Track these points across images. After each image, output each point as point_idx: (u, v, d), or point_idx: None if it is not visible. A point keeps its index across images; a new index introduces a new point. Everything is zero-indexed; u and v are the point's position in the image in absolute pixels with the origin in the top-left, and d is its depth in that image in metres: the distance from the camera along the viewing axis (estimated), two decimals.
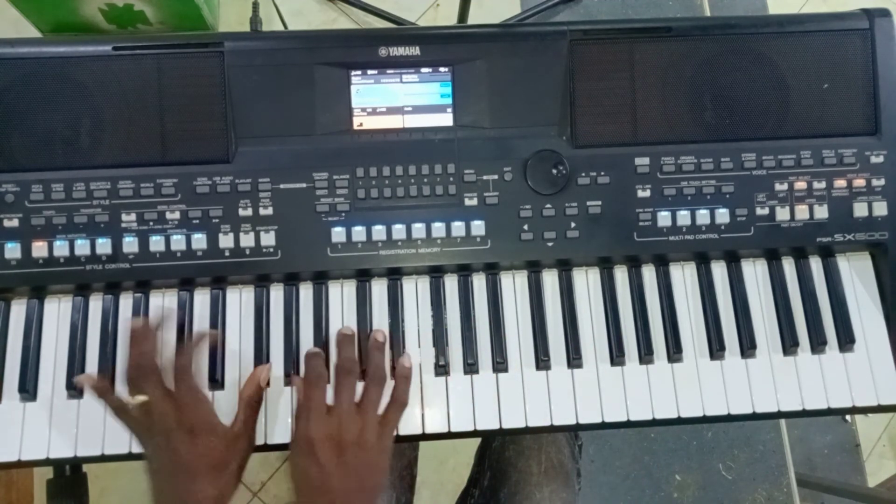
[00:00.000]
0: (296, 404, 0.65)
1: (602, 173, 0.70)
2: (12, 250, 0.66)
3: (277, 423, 0.67)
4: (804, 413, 0.70)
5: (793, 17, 0.74)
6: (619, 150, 0.71)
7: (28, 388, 0.66)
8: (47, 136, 0.67)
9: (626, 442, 1.42)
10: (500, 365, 0.69)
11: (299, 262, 0.69)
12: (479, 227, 0.69)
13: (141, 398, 0.61)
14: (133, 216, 0.67)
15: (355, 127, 0.70)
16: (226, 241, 0.68)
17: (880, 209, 0.71)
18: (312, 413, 0.62)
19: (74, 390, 0.66)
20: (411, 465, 0.87)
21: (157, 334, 0.64)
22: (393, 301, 0.70)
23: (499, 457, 0.84)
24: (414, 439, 0.68)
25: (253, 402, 0.65)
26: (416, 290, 0.71)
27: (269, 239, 0.68)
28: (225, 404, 0.66)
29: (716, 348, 0.70)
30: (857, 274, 0.73)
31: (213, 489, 0.60)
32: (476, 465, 0.92)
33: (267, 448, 0.67)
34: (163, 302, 0.69)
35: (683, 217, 0.70)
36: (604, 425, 0.68)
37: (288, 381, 0.68)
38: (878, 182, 0.72)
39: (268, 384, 0.67)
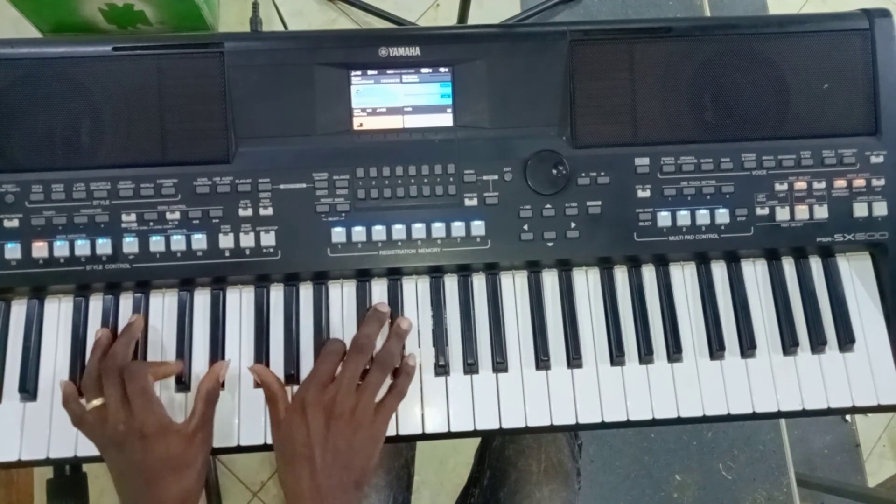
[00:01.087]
0: (265, 392, 0.65)
1: (602, 173, 0.70)
2: (12, 250, 0.66)
3: None
4: (804, 413, 0.70)
5: (793, 17, 0.75)
6: (619, 150, 0.71)
7: (28, 388, 0.66)
8: (47, 136, 0.67)
9: (626, 442, 1.42)
10: (499, 365, 0.69)
11: (299, 262, 0.69)
12: (479, 227, 0.69)
13: (95, 403, 0.61)
14: (133, 216, 0.67)
15: (355, 127, 0.70)
16: (226, 241, 0.68)
17: (880, 209, 0.71)
18: (313, 380, 0.63)
19: None
20: (408, 464, 0.87)
21: (128, 341, 0.65)
22: (393, 301, 0.70)
23: (499, 456, 0.84)
24: (414, 439, 0.68)
25: (211, 396, 0.65)
26: (416, 291, 0.71)
27: (269, 239, 0.68)
28: (224, 404, 0.66)
29: (716, 348, 0.70)
30: (857, 274, 0.73)
31: (176, 489, 0.60)
32: (476, 464, 0.92)
33: (266, 448, 0.67)
34: (163, 302, 0.69)
35: (683, 217, 0.70)
36: (604, 425, 0.68)
37: (288, 380, 0.67)
38: (878, 182, 0.72)
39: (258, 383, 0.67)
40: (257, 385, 0.67)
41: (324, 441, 0.60)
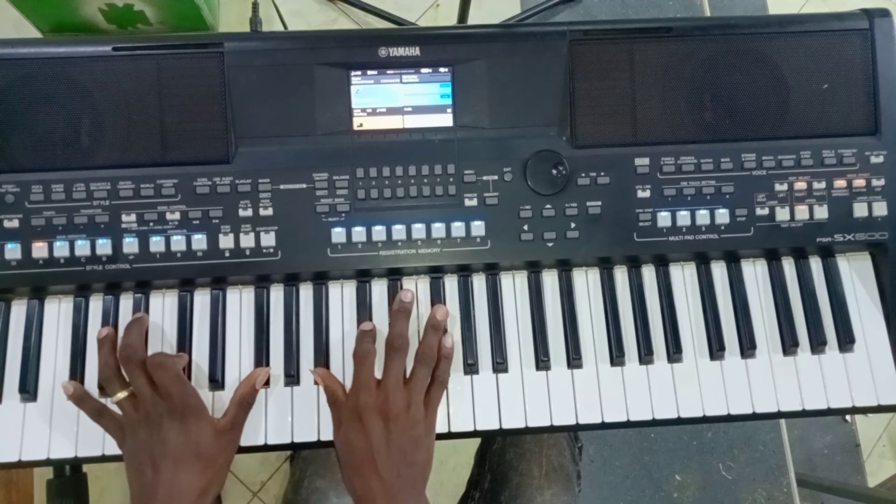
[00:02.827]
0: (328, 396, 0.66)
1: (602, 173, 0.70)
2: (12, 251, 0.66)
3: (277, 423, 0.67)
4: (804, 413, 0.70)
5: (793, 17, 0.74)
6: (619, 150, 0.71)
7: (28, 389, 0.66)
8: (47, 136, 0.67)
9: (626, 442, 1.42)
10: (499, 365, 0.69)
11: (299, 262, 0.69)
12: (479, 227, 0.69)
13: (120, 396, 0.62)
14: (133, 217, 0.67)
15: (355, 127, 0.70)
16: (226, 241, 0.68)
17: (880, 209, 0.71)
18: (360, 387, 0.63)
19: None
20: None
21: (140, 331, 0.65)
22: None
23: (499, 459, 0.84)
24: None
25: (245, 401, 0.65)
26: (415, 291, 0.71)
27: (269, 239, 0.68)
28: (225, 405, 0.66)
29: (716, 348, 0.70)
30: (857, 274, 0.73)
31: (198, 480, 0.60)
32: (476, 467, 0.92)
33: (267, 448, 0.67)
34: (163, 302, 0.69)
35: (683, 217, 0.70)
36: (604, 425, 0.68)
37: (288, 381, 0.68)
38: (878, 182, 0.72)
39: (266, 384, 0.67)
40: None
41: (386, 444, 0.61)
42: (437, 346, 0.66)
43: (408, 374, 0.65)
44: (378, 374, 0.65)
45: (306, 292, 0.70)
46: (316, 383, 0.67)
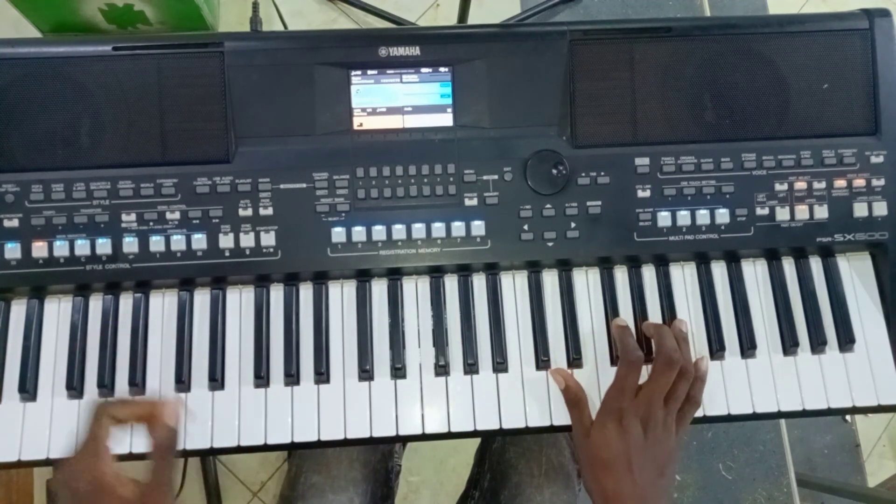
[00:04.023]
0: (567, 396, 0.67)
1: (602, 173, 0.70)
2: (12, 250, 0.66)
3: (277, 423, 0.67)
4: (804, 413, 0.70)
5: (793, 17, 0.75)
6: (619, 150, 0.71)
7: (28, 388, 0.66)
8: (47, 136, 0.67)
9: None
10: (500, 365, 0.69)
11: (299, 262, 0.69)
12: (479, 227, 0.69)
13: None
14: (133, 216, 0.67)
15: (355, 127, 0.70)
16: (226, 241, 0.68)
17: (880, 209, 0.71)
18: (626, 390, 0.64)
19: (74, 390, 0.66)
20: (385, 459, 0.86)
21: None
22: (393, 301, 0.70)
23: (499, 458, 0.84)
24: (414, 439, 0.68)
25: (164, 447, 0.56)
26: (416, 290, 0.71)
27: (269, 239, 0.68)
28: (225, 404, 0.66)
29: (716, 348, 0.70)
30: (857, 274, 0.73)
31: None
32: (476, 466, 0.92)
33: (267, 448, 0.67)
34: (163, 302, 0.69)
35: (683, 217, 0.70)
36: None
37: (288, 381, 0.68)
38: (878, 182, 0.72)
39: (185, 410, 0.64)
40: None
41: (643, 449, 0.62)
42: (691, 360, 0.66)
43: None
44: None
45: (306, 292, 0.70)
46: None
